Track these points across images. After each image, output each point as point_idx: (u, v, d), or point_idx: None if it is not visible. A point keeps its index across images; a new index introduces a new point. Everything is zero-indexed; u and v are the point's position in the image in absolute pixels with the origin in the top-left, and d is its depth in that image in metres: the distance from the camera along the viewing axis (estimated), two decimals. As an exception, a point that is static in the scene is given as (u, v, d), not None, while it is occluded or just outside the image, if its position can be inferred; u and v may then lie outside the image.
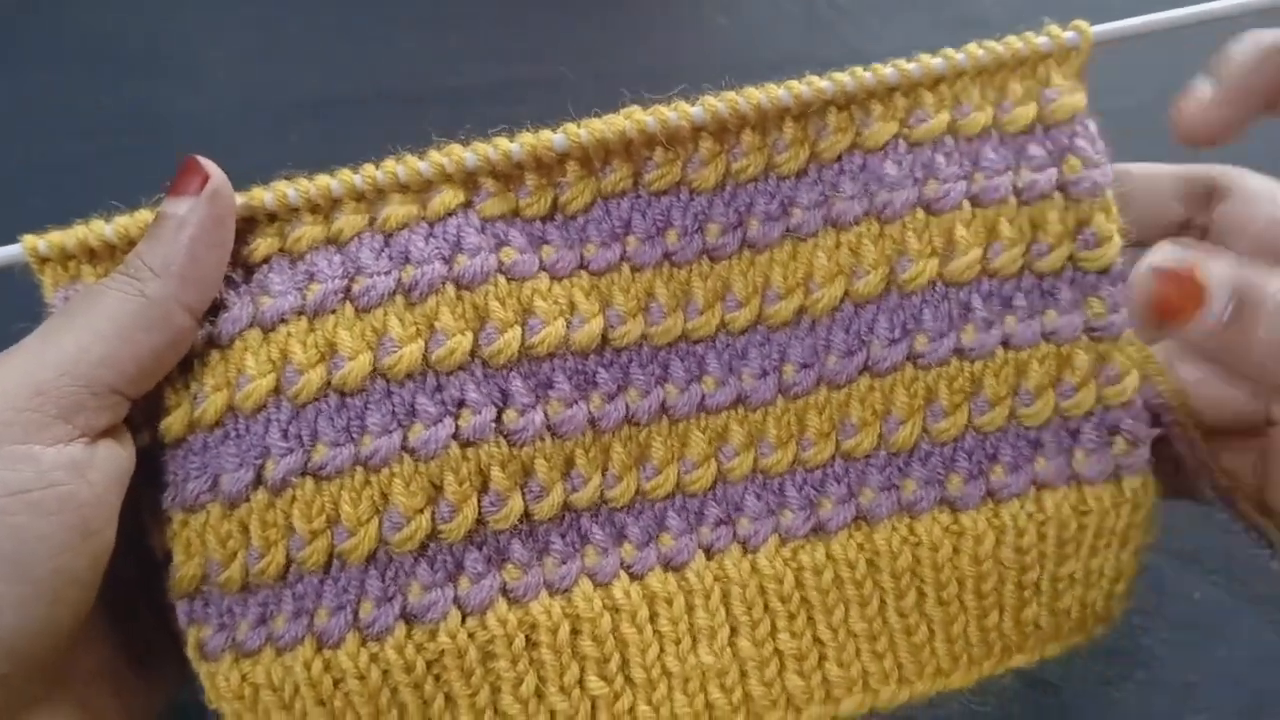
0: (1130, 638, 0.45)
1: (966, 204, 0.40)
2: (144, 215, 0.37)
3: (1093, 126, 0.42)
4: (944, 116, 0.40)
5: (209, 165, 0.37)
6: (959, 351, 0.40)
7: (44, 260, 0.38)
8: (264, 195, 0.37)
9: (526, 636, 0.38)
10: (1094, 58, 0.42)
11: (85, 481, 0.33)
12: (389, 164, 0.38)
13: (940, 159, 0.40)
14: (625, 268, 0.39)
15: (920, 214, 0.40)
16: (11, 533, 0.32)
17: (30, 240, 0.38)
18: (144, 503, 0.37)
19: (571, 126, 0.38)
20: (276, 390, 0.37)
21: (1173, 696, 0.54)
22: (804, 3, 0.82)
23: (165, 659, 0.39)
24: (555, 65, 0.79)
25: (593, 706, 0.39)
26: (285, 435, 0.37)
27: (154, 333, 0.35)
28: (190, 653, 0.38)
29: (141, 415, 0.37)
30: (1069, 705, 0.53)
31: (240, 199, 0.37)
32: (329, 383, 0.37)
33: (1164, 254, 0.32)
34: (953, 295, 0.40)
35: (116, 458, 0.35)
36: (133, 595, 0.38)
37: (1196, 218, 0.40)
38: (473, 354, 0.37)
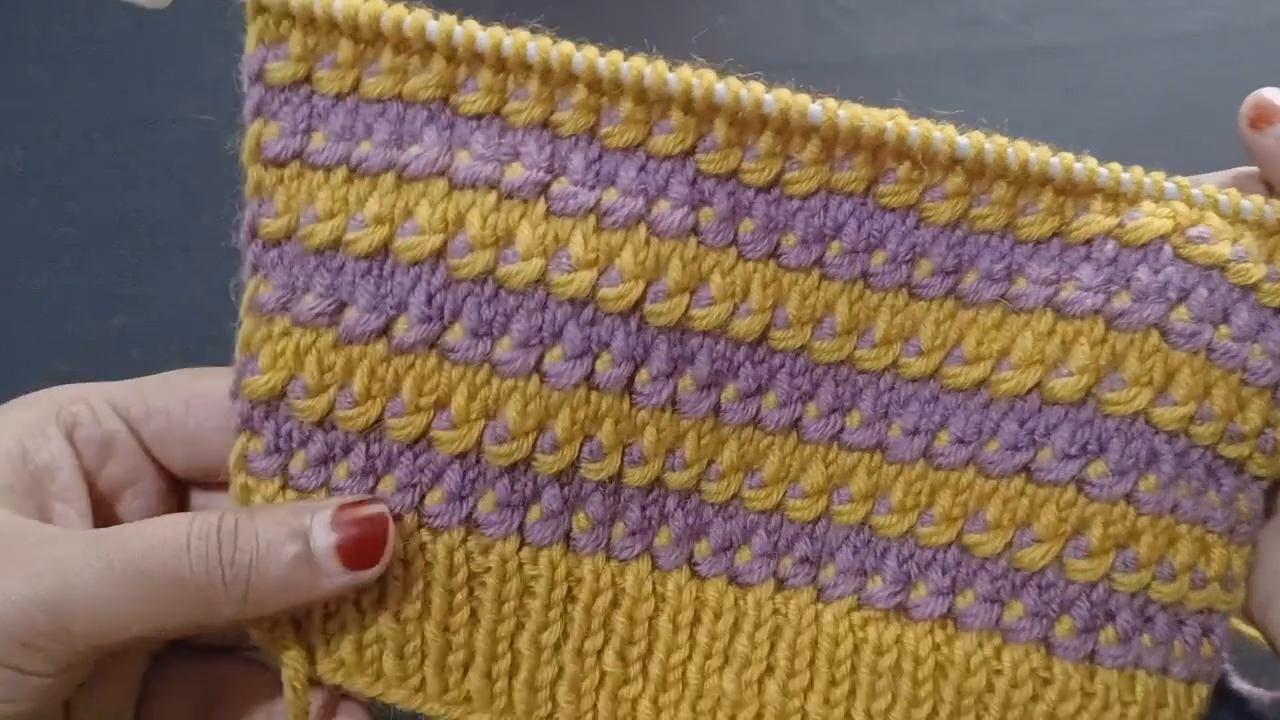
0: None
1: (1204, 353, 0.36)
2: (378, 4, 0.34)
3: None
4: (1224, 248, 0.36)
5: (391, 539, 0.34)
6: (1129, 497, 0.37)
7: (261, 9, 0.35)
8: (504, 39, 0.34)
9: (569, 589, 0.37)
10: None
11: (74, 677, 0.32)
12: (638, 62, 0.35)
13: (1204, 291, 0.36)
14: (815, 273, 0.36)
15: (1155, 337, 0.36)
16: None
17: None
18: (246, 288, 0.35)
19: (831, 103, 0.35)
20: (439, 253, 0.35)
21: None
22: (805, 3, 0.82)
23: (167, 703, 0.38)
24: (556, 65, 0.79)
25: (600, 680, 0.38)
26: (430, 302, 0.35)
27: (194, 626, 0.33)
28: (233, 460, 0.36)
29: (284, 203, 0.35)
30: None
31: (482, 34, 0.34)
32: (492, 270, 0.35)
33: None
34: (1148, 436, 0.36)
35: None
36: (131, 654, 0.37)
37: None
38: (636, 304, 0.35)
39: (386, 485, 0.36)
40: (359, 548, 0.33)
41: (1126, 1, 0.82)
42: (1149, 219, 0.36)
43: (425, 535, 0.36)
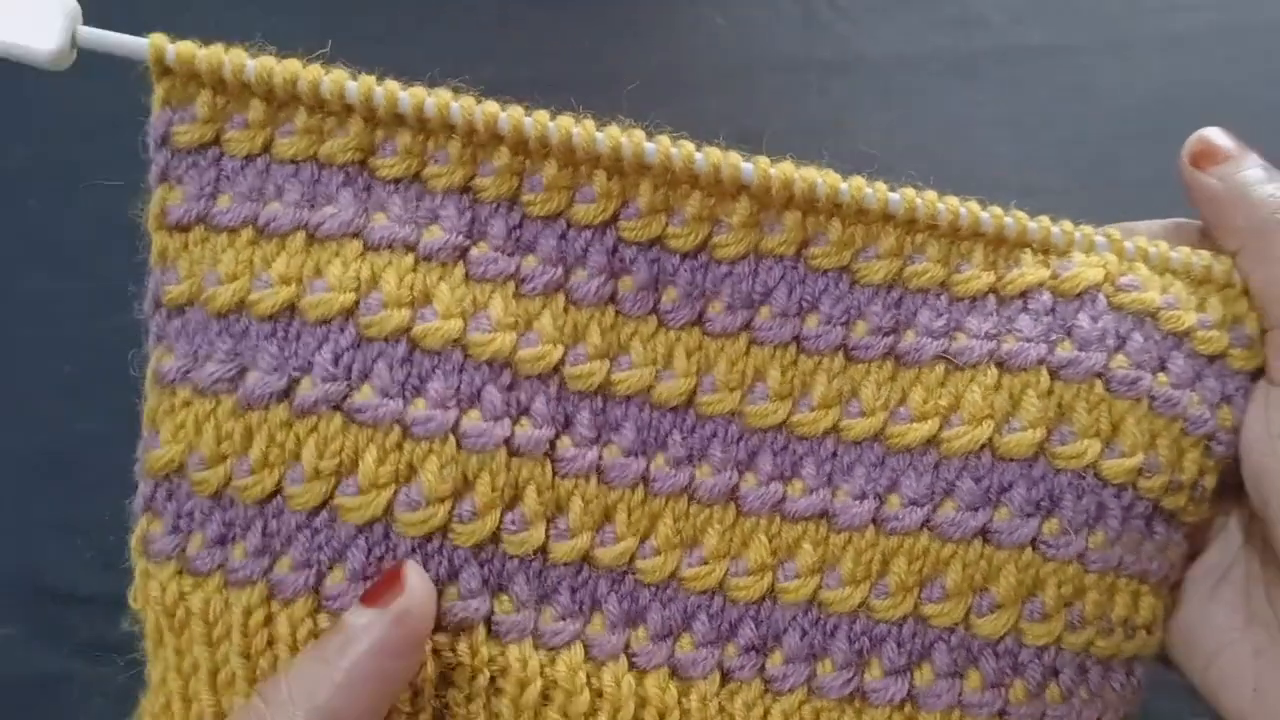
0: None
1: (1146, 400, 0.36)
2: (293, 65, 0.34)
3: (1257, 392, 0.37)
4: (1154, 296, 0.36)
5: (412, 575, 0.32)
6: (1081, 556, 0.36)
7: (165, 70, 0.33)
8: (425, 100, 0.33)
9: (492, 678, 0.35)
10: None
11: None
12: (565, 121, 0.34)
13: (1138, 336, 0.36)
14: (743, 338, 0.36)
15: (1099, 388, 0.36)
16: None
17: (158, 42, 0.33)
18: (150, 361, 0.34)
19: (764, 161, 0.34)
20: (349, 312, 0.33)
21: (1173, 697, 0.54)
22: (802, 3, 0.82)
23: None
24: (554, 65, 0.79)
25: None
26: (336, 361, 0.33)
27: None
28: (134, 543, 0.35)
29: (188, 268, 0.34)
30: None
31: (404, 95, 0.33)
32: (408, 330, 0.33)
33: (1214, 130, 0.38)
34: (1097, 491, 0.36)
35: None
36: None
37: None
38: (556, 368, 0.35)
39: (283, 566, 0.34)
40: (380, 583, 0.32)
41: (1124, 2, 0.82)
42: (1081, 269, 0.36)
43: (322, 620, 0.34)
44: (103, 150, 0.74)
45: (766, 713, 0.36)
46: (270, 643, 0.34)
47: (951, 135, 0.73)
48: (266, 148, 0.34)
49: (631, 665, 0.35)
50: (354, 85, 0.33)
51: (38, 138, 0.74)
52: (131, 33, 0.34)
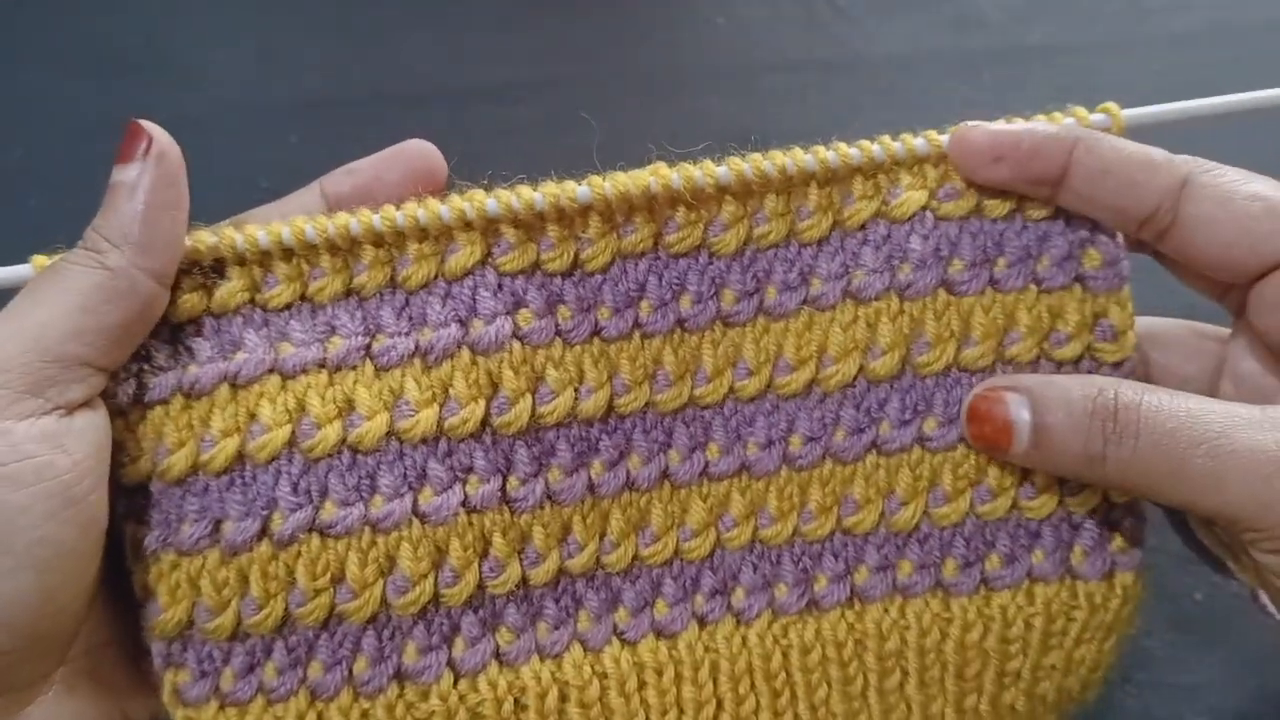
0: (1130, 639, 0.45)
1: (990, 289, 0.40)
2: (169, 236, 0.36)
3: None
4: (972, 195, 0.40)
5: (152, 128, 0.36)
6: (965, 440, 0.40)
7: None
8: (281, 230, 0.37)
9: (515, 700, 0.39)
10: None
11: (62, 451, 0.33)
12: (410, 207, 0.37)
13: (966, 239, 0.40)
14: (636, 335, 0.39)
15: (942, 295, 0.40)
16: None
17: (40, 261, 0.37)
18: (126, 537, 0.37)
19: (596, 179, 0.37)
20: (290, 442, 0.37)
21: (1173, 698, 0.54)
22: (802, 3, 0.82)
23: None
24: (555, 66, 0.79)
25: None
26: (295, 490, 0.37)
27: (120, 304, 0.34)
28: (166, 698, 0.37)
29: (136, 446, 0.36)
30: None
31: (261, 233, 0.37)
32: (344, 440, 0.37)
33: (974, 392, 0.39)
34: (966, 381, 0.40)
35: (94, 428, 0.34)
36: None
37: (1164, 205, 0.38)
38: (484, 422, 0.38)
39: (315, 671, 0.37)
40: (127, 142, 0.37)
41: (1123, 1, 0.82)
42: (908, 193, 0.40)
43: (364, 704, 0.38)
44: (102, 150, 0.75)
45: (744, 640, 0.41)
46: None
47: (951, 135, 0.73)
48: (167, 316, 0.37)
49: (623, 642, 0.40)
50: (213, 239, 0.36)
51: (38, 137, 0.74)
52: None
